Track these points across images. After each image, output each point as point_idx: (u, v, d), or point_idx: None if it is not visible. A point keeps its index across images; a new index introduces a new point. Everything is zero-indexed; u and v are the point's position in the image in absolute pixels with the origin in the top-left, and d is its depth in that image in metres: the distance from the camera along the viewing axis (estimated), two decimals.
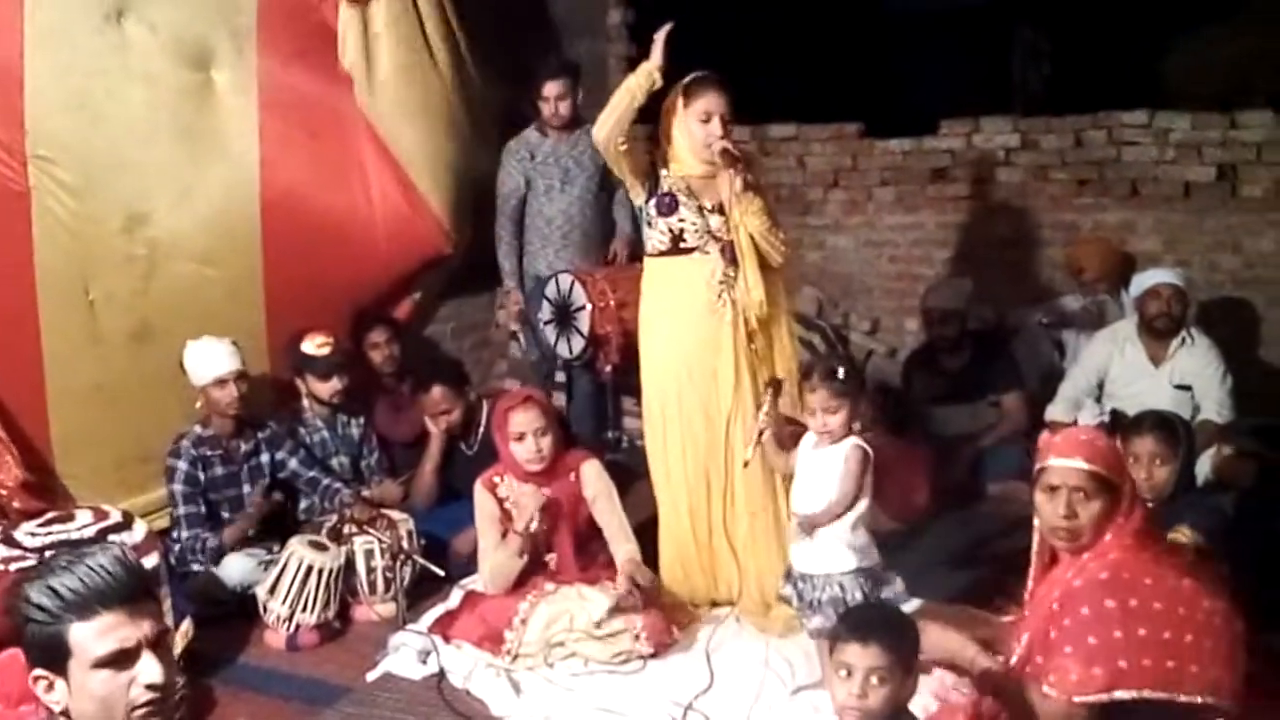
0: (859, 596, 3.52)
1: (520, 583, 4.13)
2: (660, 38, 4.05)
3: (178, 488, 4.58)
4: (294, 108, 5.23)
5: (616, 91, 4.06)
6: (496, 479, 4.21)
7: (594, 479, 4.22)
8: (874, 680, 2.59)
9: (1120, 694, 2.80)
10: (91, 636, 1.99)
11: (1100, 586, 2.91)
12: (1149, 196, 6.29)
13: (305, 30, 5.29)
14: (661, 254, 4.16)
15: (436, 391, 4.98)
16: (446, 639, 4.08)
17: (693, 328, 4.12)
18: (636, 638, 3.96)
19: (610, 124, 4.05)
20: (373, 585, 4.39)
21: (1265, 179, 6.04)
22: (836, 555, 3.57)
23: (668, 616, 4.08)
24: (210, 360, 4.65)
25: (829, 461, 3.58)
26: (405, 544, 4.41)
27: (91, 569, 2.01)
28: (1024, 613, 3.24)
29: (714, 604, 4.29)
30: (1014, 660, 3.12)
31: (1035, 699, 2.99)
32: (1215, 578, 3.20)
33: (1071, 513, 2.97)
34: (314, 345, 4.99)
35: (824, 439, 3.57)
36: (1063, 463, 3.00)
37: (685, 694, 3.74)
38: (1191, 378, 5.13)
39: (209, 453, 4.65)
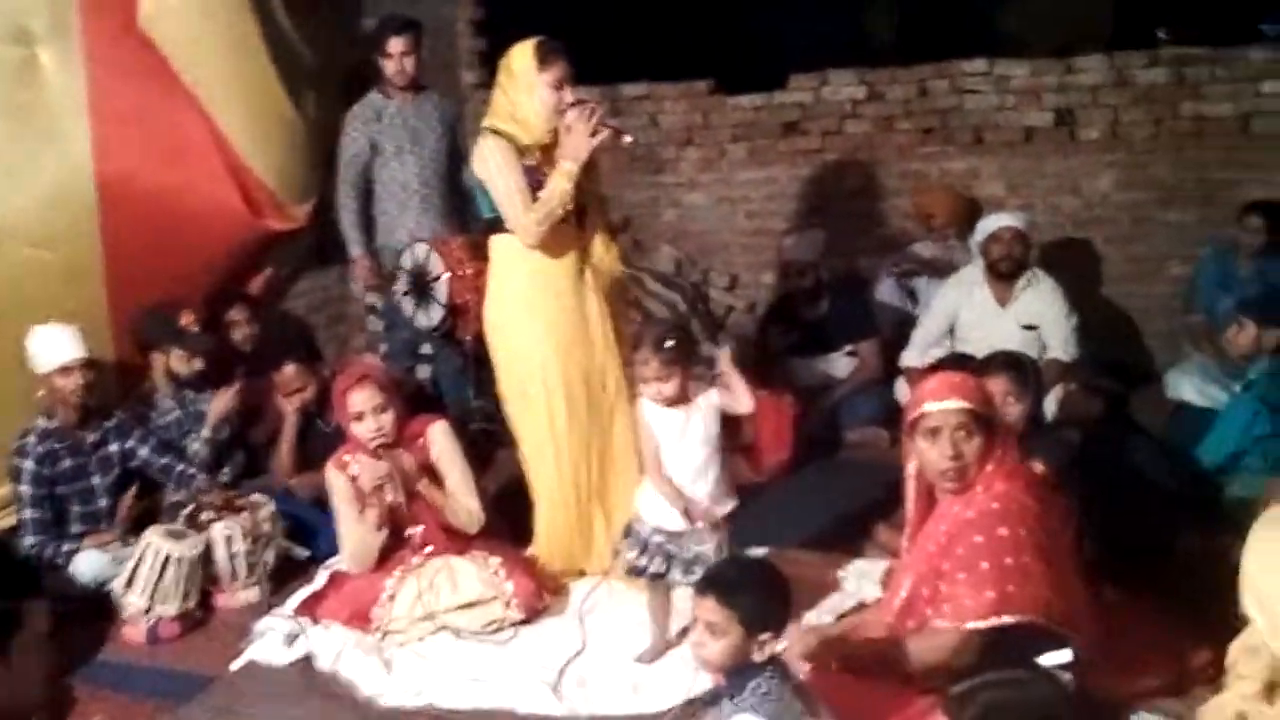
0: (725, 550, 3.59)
1: (386, 559, 4.09)
2: (583, 139, 3.95)
3: (25, 489, 4.43)
4: (125, 85, 5.08)
5: (550, 196, 3.94)
6: (347, 457, 4.13)
7: (439, 439, 4.18)
8: (709, 632, 2.66)
9: (1007, 618, 2.89)
10: None
11: (993, 515, 3.00)
12: (991, 143, 6.44)
13: (129, 8, 5.12)
14: None
15: (289, 369, 4.89)
16: (313, 620, 4.02)
17: (560, 298, 4.11)
18: (507, 605, 3.96)
19: (546, 225, 3.98)
20: (234, 571, 4.29)
21: (1101, 121, 6.22)
22: (719, 506, 3.65)
23: (539, 582, 4.08)
24: (54, 347, 4.50)
25: (694, 416, 3.62)
26: (266, 527, 4.32)
27: None
28: (905, 557, 3.31)
29: (583, 574, 4.29)
30: (896, 605, 3.20)
31: (918, 641, 3.07)
32: (1065, 510, 3.32)
33: (957, 452, 3.03)
34: (185, 321, 4.87)
35: (659, 402, 3.60)
36: (941, 405, 3.05)
37: (559, 659, 3.75)
38: (1037, 318, 5.28)
39: (55, 446, 4.50)
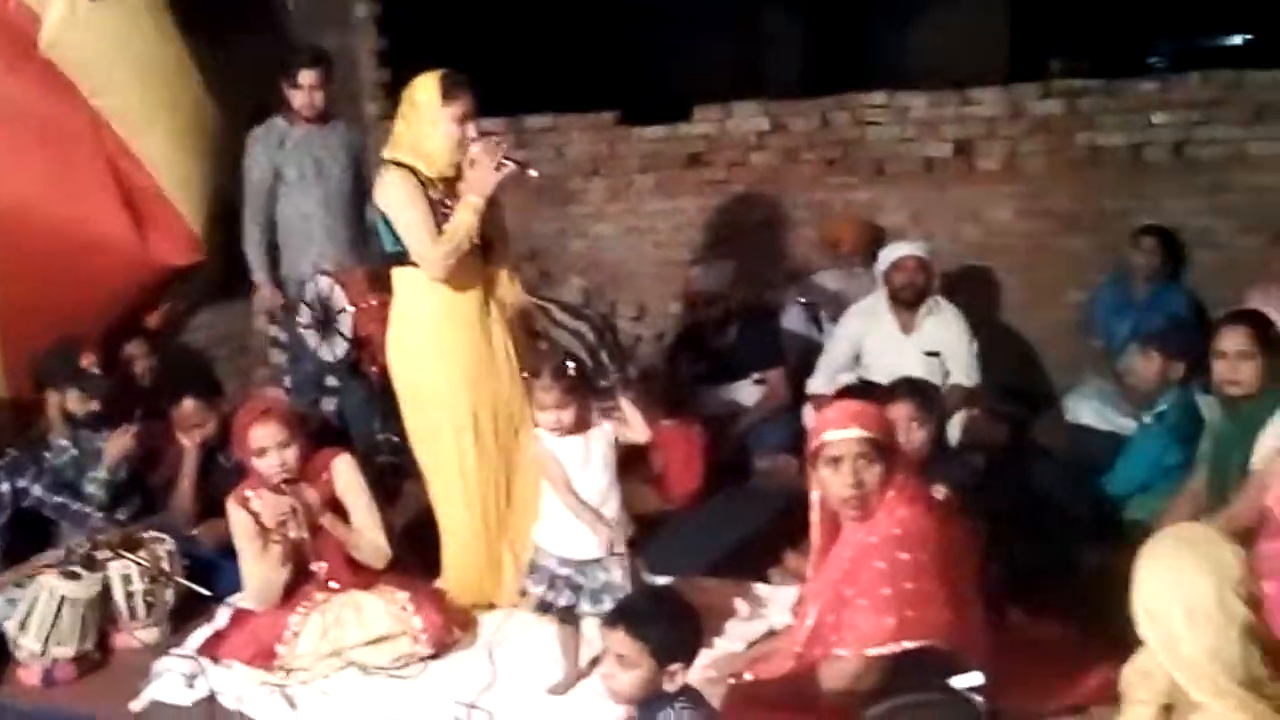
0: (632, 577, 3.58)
1: (290, 595, 4.01)
2: (487, 174, 3.93)
3: None
4: (18, 118, 4.97)
5: (455, 230, 3.91)
6: (248, 493, 4.05)
7: (343, 473, 4.12)
8: (619, 664, 2.66)
9: (907, 644, 2.91)
10: None
11: (894, 541, 3.04)
12: (893, 173, 6.55)
13: (28, 33, 5.01)
14: None
15: (188, 404, 4.79)
16: (215, 660, 3.92)
17: (467, 330, 4.07)
18: (416, 639, 3.90)
19: (453, 259, 3.95)
20: (132, 611, 4.16)
21: (999, 152, 6.36)
22: (620, 534, 3.64)
23: (448, 616, 4.03)
24: None
25: (593, 446, 3.61)
26: (165, 565, 4.21)
27: None
28: (811, 584, 3.33)
29: (492, 607, 4.25)
30: (803, 633, 3.22)
31: (822, 670, 3.09)
32: (967, 534, 3.37)
33: (858, 480, 3.08)
34: (85, 362, 4.76)
35: (557, 432, 3.59)
36: (842, 434, 3.10)
37: (469, 692, 3.69)
38: (940, 344, 5.36)
39: None
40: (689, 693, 2.73)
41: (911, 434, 3.92)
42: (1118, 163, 6.17)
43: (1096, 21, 10.56)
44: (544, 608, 3.67)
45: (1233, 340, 3.93)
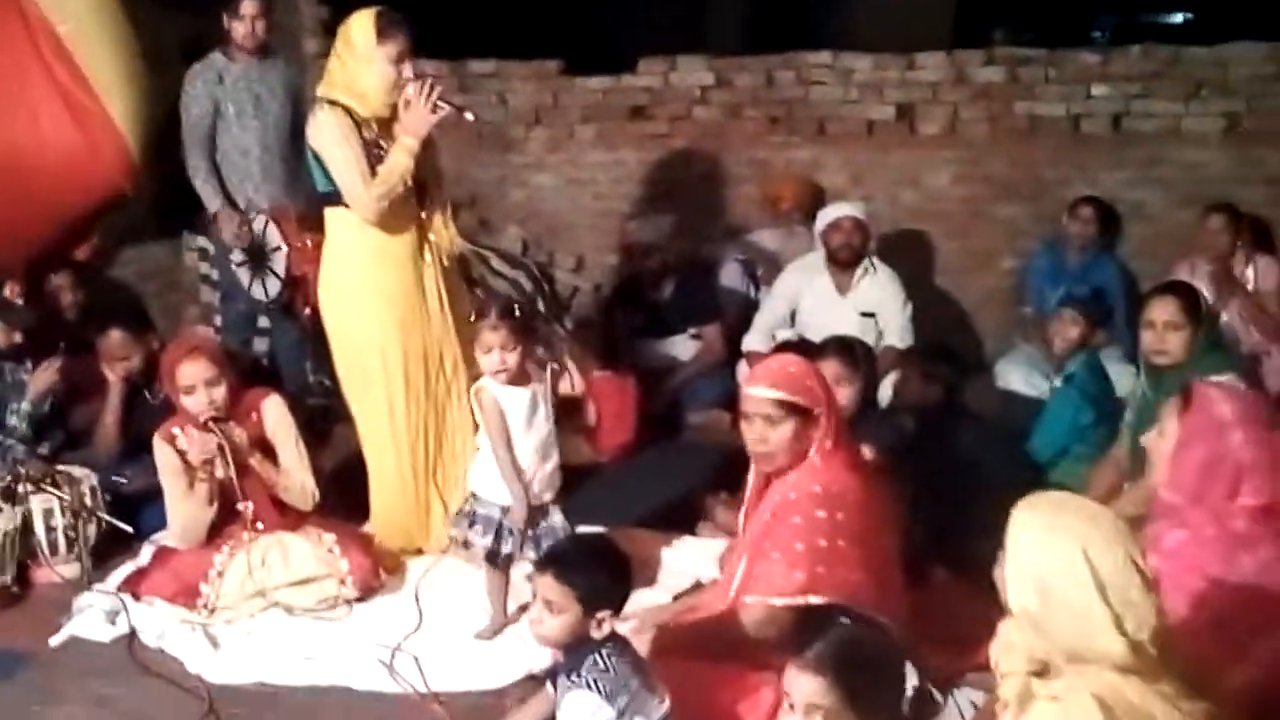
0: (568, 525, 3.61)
1: (216, 535, 3.96)
2: (420, 115, 3.85)
3: None
4: None
5: (389, 172, 3.85)
6: (175, 430, 3.98)
7: (273, 413, 4.08)
8: (548, 609, 2.68)
9: (814, 599, 2.95)
10: None
11: (813, 498, 3.08)
12: (835, 134, 6.56)
13: None
14: None
15: (115, 336, 4.70)
16: (136, 597, 3.89)
17: (400, 273, 4.03)
18: (342, 582, 3.88)
19: (386, 201, 3.88)
20: (53, 545, 4.11)
21: (941, 117, 6.39)
22: (554, 484, 3.65)
23: (375, 560, 4.01)
24: None
25: (533, 394, 3.59)
26: (87, 500, 4.16)
27: None
28: (740, 537, 3.36)
29: (420, 552, 4.24)
30: (732, 586, 3.25)
31: (731, 618, 3.13)
32: (890, 494, 3.41)
33: (762, 437, 3.13)
34: (8, 292, 4.65)
35: (499, 377, 3.57)
36: (752, 391, 3.17)
37: (394, 636, 3.69)
38: (874, 305, 5.41)
39: None
40: (615, 640, 2.74)
41: (838, 391, 3.94)
42: (1057, 133, 6.23)
43: None
44: (491, 557, 3.66)
45: (1162, 310, 4.00)
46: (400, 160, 3.87)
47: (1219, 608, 2.82)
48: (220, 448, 3.89)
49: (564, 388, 3.69)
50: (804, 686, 2.12)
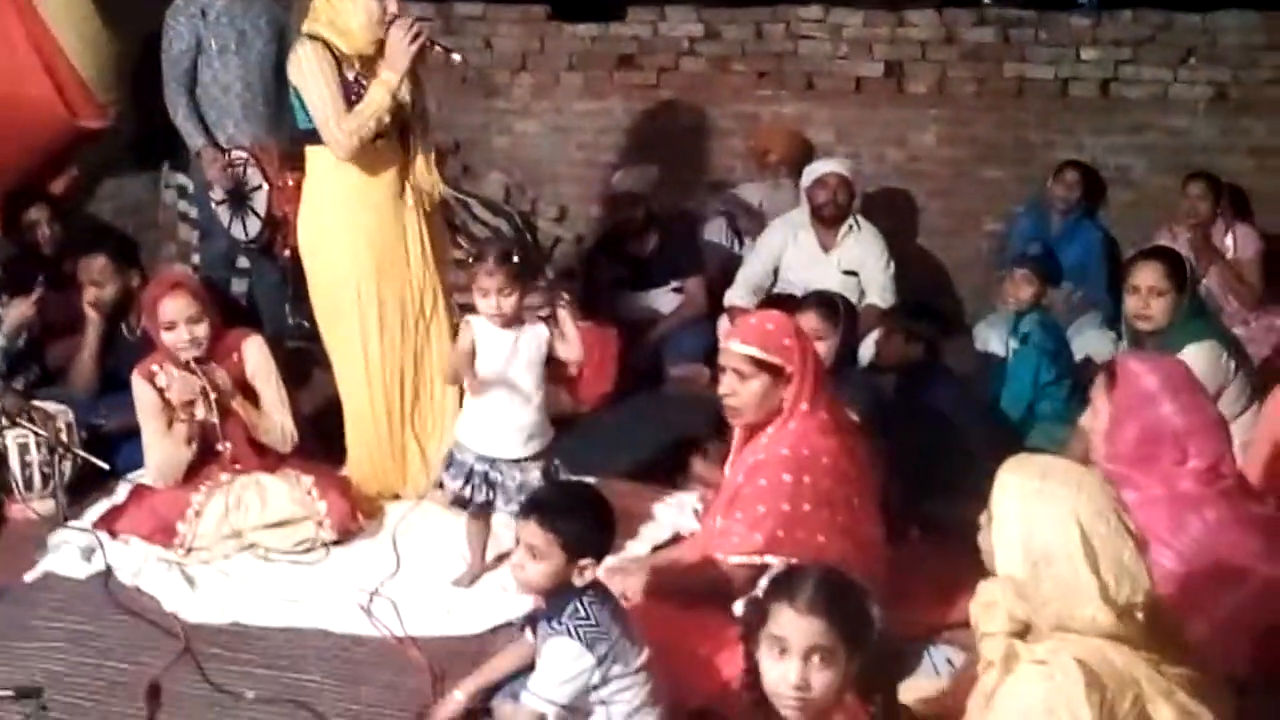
0: (557, 467, 3.61)
1: (193, 474, 3.95)
2: (402, 47, 3.80)
3: None
4: None
5: (365, 107, 3.80)
6: (155, 368, 3.94)
7: (254, 354, 4.05)
8: (530, 555, 2.69)
9: (770, 559, 2.96)
10: None
11: (779, 461, 3.10)
12: (823, 90, 6.53)
13: None
14: None
15: (99, 261, 4.62)
16: (113, 534, 3.87)
17: (378, 214, 4.00)
18: (320, 525, 3.88)
19: (359, 138, 3.83)
20: (29, 481, 4.08)
21: (929, 76, 6.37)
22: (541, 437, 3.62)
23: (353, 503, 4.00)
24: None
25: (523, 342, 3.57)
26: (63, 436, 4.12)
27: None
28: (720, 492, 3.38)
29: (397, 497, 4.23)
30: (705, 538, 3.27)
31: (696, 571, 3.17)
32: (866, 453, 3.41)
33: (733, 390, 3.16)
34: None
35: (495, 321, 3.55)
36: (728, 344, 3.21)
37: (372, 580, 3.69)
38: (858, 264, 5.41)
39: None
40: (597, 588, 2.75)
41: (815, 346, 3.96)
42: (1044, 95, 6.22)
43: None
44: (459, 502, 3.66)
45: (1147, 276, 4.01)
46: (377, 95, 3.83)
47: (1169, 569, 2.86)
48: (203, 390, 3.87)
49: (563, 352, 3.64)
50: (804, 629, 2.13)
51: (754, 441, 3.22)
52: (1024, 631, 2.22)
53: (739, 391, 3.15)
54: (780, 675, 2.14)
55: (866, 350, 4.87)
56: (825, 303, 4.16)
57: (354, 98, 3.87)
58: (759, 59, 6.59)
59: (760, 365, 3.13)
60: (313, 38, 3.88)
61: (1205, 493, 2.99)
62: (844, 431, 3.29)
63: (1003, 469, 2.29)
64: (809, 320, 3.98)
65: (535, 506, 2.77)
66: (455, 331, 3.81)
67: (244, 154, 5.12)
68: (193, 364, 3.88)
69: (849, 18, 6.46)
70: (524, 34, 6.91)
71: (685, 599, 3.18)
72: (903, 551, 3.52)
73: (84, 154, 5.57)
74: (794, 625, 2.14)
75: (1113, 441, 3.06)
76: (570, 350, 3.63)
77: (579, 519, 2.71)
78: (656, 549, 3.86)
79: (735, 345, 3.17)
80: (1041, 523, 2.15)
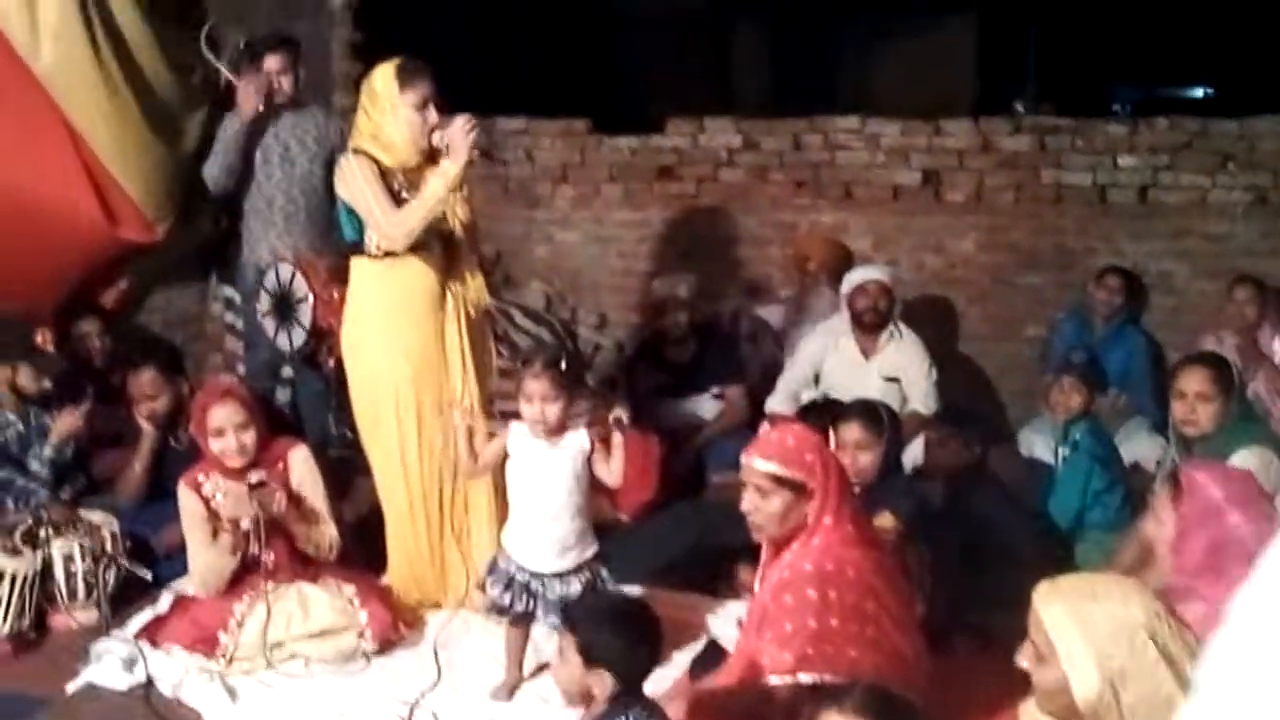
0: (605, 579, 3.59)
1: (236, 584, 3.95)
2: (461, 137, 3.89)
3: None
4: None
5: (426, 197, 3.90)
6: (201, 477, 3.98)
7: (300, 465, 4.08)
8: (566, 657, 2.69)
9: (804, 677, 2.92)
10: None
11: (804, 577, 3.04)
12: (860, 199, 6.58)
13: None
14: (388, 254, 4.02)
15: (147, 374, 4.70)
16: (155, 644, 3.86)
17: (418, 325, 4.05)
18: (361, 635, 3.86)
19: (411, 227, 3.92)
20: (72, 591, 4.09)
21: (966, 184, 6.42)
22: (589, 544, 3.60)
23: (395, 613, 3.98)
24: None
25: (562, 454, 3.56)
26: (108, 546, 4.14)
27: None
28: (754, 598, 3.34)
29: (438, 606, 4.21)
30: (740, 654, 3.23)
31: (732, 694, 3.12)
32: (911, 562, 3.37)
33: (755, 506, 3.12)
34: (40, 340, 4.67)
35: (537, 429, 3.55)
36: (748, 460, 3.15)
37: (412, 691, 3.66)
38: (899, 370, 5.39)
39: None
40: (646, 705, 2.71)
41: (859, 456, 3.94)
42: (1083, 202, 6.25)
43: (1061, 65, 10.72)
44: (499, 610, 3.64)
45: (1193, 381, 3.98)
46: (436, 185, 3.90)
47: None
48: (255, 518, 3.88)
49: (603, 474, 3.62)
50: None
51: (779, 559, 3.18)
52: None
53: (760, 508, 3.11)
54: None
55: (911, 456, 4.84)
56: (869, 412, 4.11)
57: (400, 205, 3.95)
58: (797, 169, 6.66)
59: (780, 482, 3.09)
60: (358, 152, 3.97)
61: None
62: (871, 544, 3.25)
63: (1042, 601, 2.27)
64: (853, 431, 3.96)
65: (575, 621, 2.75)
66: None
67: (289, 265, 5.21)
68: (250, 484, 3.89)
69: (886, 127, 6.53)
70: (565, 146, 7.02)
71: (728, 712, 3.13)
72: (947, 662, 3.46)
73: (133, 267, 5.66)
74: None
75: (1180, 553, 3.01)
76: (612, 475, 3.60)
77: (620, 636, 2.69)
78: (696, 660, 3.80)
79: (756, 462, 3.12)
80: (1112, 643, 2.12)
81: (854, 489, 3.34)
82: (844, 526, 3.13)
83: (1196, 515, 3.00)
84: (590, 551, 3.62)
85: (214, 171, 5.28)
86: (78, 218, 5.11)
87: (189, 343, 6.31)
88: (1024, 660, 2.29)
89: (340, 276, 4.83)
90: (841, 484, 3.17)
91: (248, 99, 5.20)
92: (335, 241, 4.83)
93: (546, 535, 3.56)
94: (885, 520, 3.77)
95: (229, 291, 6.05)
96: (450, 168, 3.89)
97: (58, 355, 4.84)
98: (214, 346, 6.43)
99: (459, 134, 3.88)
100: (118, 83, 5.15)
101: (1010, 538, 4.17)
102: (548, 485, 3.56)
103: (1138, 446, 5.23)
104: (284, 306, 5.23)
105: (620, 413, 3.65)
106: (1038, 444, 5.39)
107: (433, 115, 3.95)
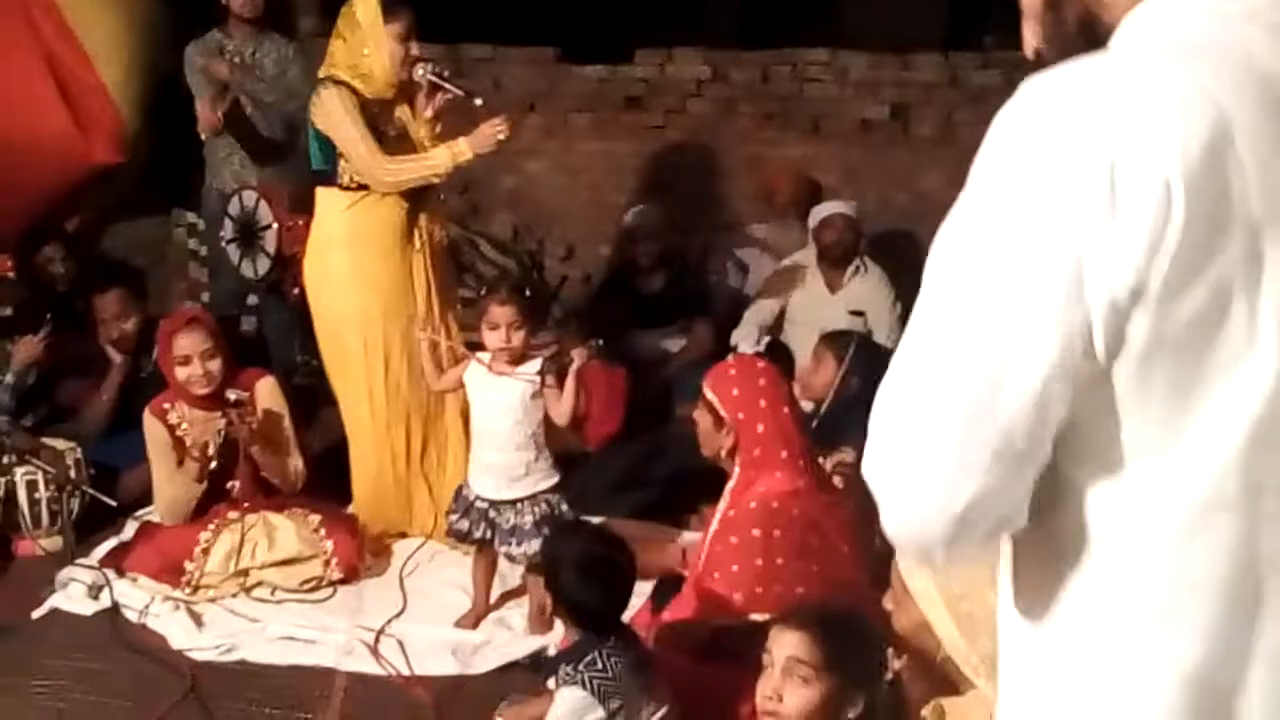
0: (564, 511, 3.59)
1: (201, 512, 3.95)
2: (490, 133, 3.96)
3: None
4: None
5: (422, 164, 3.93)
6: (167, 405, 3.98)
7: (267, 395, 4.08)
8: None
9: (755, 616, 2.96)
10: None
11: (749, 515, 3.10)
12: (829, 132, 6.55)
13: None
14: (360, 186, 3.99)
15: (114, 294, 4.66)
16: (120, 572, 3.88)
17: (386, 257, 4.03)
18: (327, 564, 3.88)
19: (399, 184, 3.94)
20: (36, 518, 4.10)
21: (934, 118, 6.40)
22: (542, 475, 3.60)
23: (360, 542, 4.00)
24: None
25: (511, 385, 3.57)
26: (72, 473, 4.14)
27: None
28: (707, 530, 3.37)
29: (403, 535, 4.24)
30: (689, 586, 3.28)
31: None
32: (854, 501, 3.40)
33: (700, 426, 3.25)
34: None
35: (501, 355, 3.55)
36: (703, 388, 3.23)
37: (378, 619, 3.69)
38: (864, 304, 5.41)
39: None
40: (622, 637, 2.74)
41: (813, 378, 4.02)
42: None
43: None
44: (458, 536, 3.67)
45: None
46: (442, 157, 3.94)
47: None
48: (229, 436, 3.88)
49: (552, 409, 3.59)
50: (785, 641, 2.12)
51: (727, 492, 3.23)
52: None
53: (705, 435, 3.23)
54: (758, 689, 2.13)
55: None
56: (838, 334, 4.29)
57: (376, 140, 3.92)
58: (765, 101, 6.62)
59: (709, 408, 3.16)
60: (335, 82, 3.92)
61: None
62: (821, 482, 3.29)
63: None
64: (817, 349, 4.19)
65: (546, 565, 2.80)
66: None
67: (254, 192, 5.16)
68: (226, 408, 3.89)
69: (855, 61, 6.50)
70: (532, 75, 6.94)
71: (694, 655, 3.16)
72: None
73: (97, 192, 5.60)
74: (779, 639, 2.14)
75: None
76: (561, 414, 3.59)
77: (590, 583, 2.73)
78: (656, 590, 3.82)
79: (705, 390, 3.23)
80: None
81: (803, 428, 3.35)
82: (790, 463, 3.16)
83: None
84: (546, 483, 3.61)
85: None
86: (51, 143, 5.07)
87: (151, 269, 6.25)
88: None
89: (304, 204, 4.80)
90: (779, 424, 3.18)
91: (207, 118, 5.16)
92: (300, 169, 4.84)
93: (495, 464, 3.57)
94: (845, 455, 3.81)
95: (191, 217, 6.01)
96: (464, 150, 3.90)
97: (18, 282, 4.77)
98: (177, 275, 6.37)
99: (489, 130, 3.93)
100: (124, 9, 5.11)
101: None
102: (495, 414, 3.57)
103: None
104: (248, 234, 5.19)
105: (586, 350, 3.65)
106: None
107: (414, 47, 3.92)
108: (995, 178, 1.11)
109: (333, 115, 3.89)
